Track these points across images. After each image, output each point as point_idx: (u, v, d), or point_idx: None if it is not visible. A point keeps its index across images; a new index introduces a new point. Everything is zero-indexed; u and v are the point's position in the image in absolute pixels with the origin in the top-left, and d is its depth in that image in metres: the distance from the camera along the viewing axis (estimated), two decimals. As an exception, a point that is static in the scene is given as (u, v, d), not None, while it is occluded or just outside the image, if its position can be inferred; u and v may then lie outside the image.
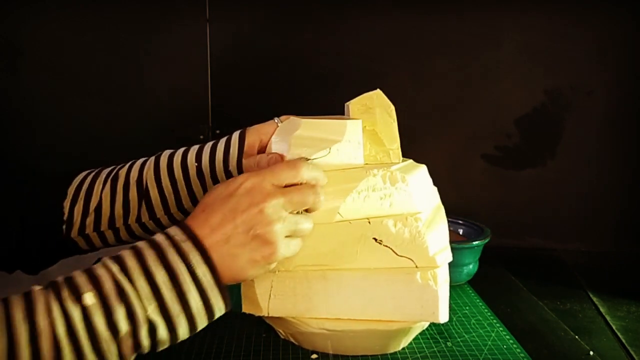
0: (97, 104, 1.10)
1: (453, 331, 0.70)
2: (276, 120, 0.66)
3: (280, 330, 0.67)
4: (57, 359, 0.39)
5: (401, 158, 0.65)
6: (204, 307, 0.45)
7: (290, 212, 0.50)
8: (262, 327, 0.69)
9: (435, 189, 0.67)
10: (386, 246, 0.58)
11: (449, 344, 0.67)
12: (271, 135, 0.65)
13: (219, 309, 0.46)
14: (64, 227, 0.65)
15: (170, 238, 0.46)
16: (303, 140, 0.59)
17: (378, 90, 0.65)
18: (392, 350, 0.64)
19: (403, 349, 0.65)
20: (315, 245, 0.57)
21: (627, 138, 1.06)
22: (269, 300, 0.60)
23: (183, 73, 1.09)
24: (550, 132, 1.07)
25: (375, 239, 0.58)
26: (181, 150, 0.68)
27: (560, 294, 0.86)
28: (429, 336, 0.68)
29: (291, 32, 1.08)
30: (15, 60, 1.06)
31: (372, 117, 0.64)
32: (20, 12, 1.04)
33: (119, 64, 1.08)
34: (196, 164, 0.65)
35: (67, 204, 0.66)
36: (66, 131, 1.09)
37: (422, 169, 0.65)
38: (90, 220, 0.65)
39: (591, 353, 0.66)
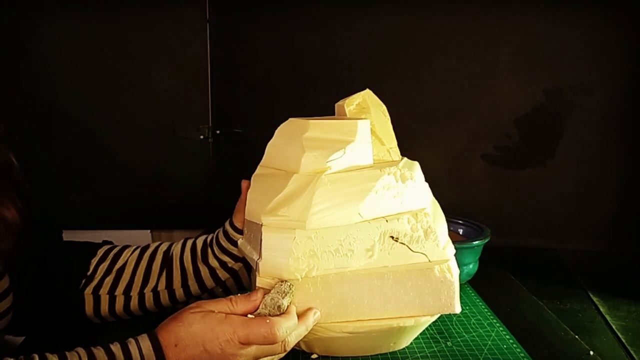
0: (97, 103, 1.10)
1: (453, 331, 0.70)
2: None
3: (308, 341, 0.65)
4: None
5: (400, 156, 0.65)
6: None
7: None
8: (263, 327, 0.69)
9: (427, 184, 0.68)
10: (402, 243, 0.59)
11: (449, 343, 0.67)
12: None
13: None
14: (83, 280, 0.68)
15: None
16: (315, 142, 0.59)
17: (368, 90, 0.65)
18: (403, 346, 0.65)
19: (403, 348, 0.65)
20: (336, 248, 0.57)
21: (626, 138, 1.06)
22: None
23: (183, 73, 1.09)
24: (550, 132, 1.07)
25: (392, 237, 0.59)
26: (201, 240, 0.72)
27: (560, 293, 0.86)
28: (429, 336, 0.68)
29: (291, 32, 1.08)
30: (16, 60, 1.06)
31: (368, 116, 0.64)
32: (21, 13, 1.04)
33: (119, 64, 1.08)
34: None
35: (94, 260, 0.69)
36: (66, 131, 1.09)
37: (418, 166, 0.66)
38: (109, 279, 0.68)
39: (591, 353, 0.66)
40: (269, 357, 0.54)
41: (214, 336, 0.51)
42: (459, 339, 0.68)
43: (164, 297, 0.69)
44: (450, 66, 1.06)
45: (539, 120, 1.07)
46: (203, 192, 1.16)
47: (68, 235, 0.74)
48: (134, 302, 0.69)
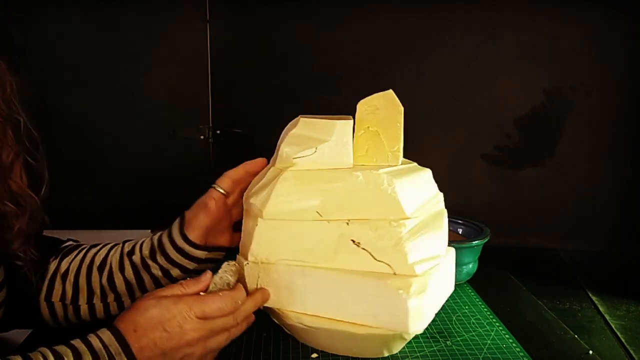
0: (97, 104, 1.10)
1: (453, 330, 0.70)
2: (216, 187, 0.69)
3: (284, 326, 0.67)
4: None
5: (400, 160, 0.64)
6: None
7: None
8: (263, 326, 0.69)
9: (441, 194, 0.66)
10: (364, 249, 0.58)
11: (448, 343, 0.67)
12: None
13: None
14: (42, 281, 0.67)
15: (106, 347, 0.50)
16: (296, 138, 0.61)
17: (390, 90, 0.63)
18: (373, 356, 0.63)
19: (403, 347, 0.65)
20: (295, 241, 0.59)
21: (626, 137, 1.06)
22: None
23: (183, 73, 1.09)
24: (549, 132, 1.07)
25: (353, 241, 0.58)
26: (139, 243, 0.70)
27: (560, 293, 0.86)
28: (428, 335, 0.69)
29: (291, 32, 1.08)
30: (15, 60, 1.06)
31: (375, 117, 0.63)
32: (21, 12, 1.04)
33: (119, 65, 1.08)
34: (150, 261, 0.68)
35: (52, 260, 0.68)
36: (66, 131, 1.09)
37: (423, 173, 0.65)
38: (58, 287, 0.67)
39: (590, 352, 0.66)
40: (224, 335, 0.56)
41: (171, 316, 0.52)
42: (458, 339, 0.68)
43: (114, 307, 0.68)
44: (450, 66, 1.06)
45: (539, 120, 1.07)
46: (203, 192, 1.16)
47: (69, 235, 0.74)
48: (85, 312, 0.67)
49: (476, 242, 0.83)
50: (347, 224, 0.58)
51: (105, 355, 0.49)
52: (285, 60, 1.09)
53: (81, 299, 0.67)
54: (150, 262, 0.68)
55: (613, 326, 0.75)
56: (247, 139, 1.12)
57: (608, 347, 0.69)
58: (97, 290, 0.67)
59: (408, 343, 0.66)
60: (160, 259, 0.67)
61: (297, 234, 0.59)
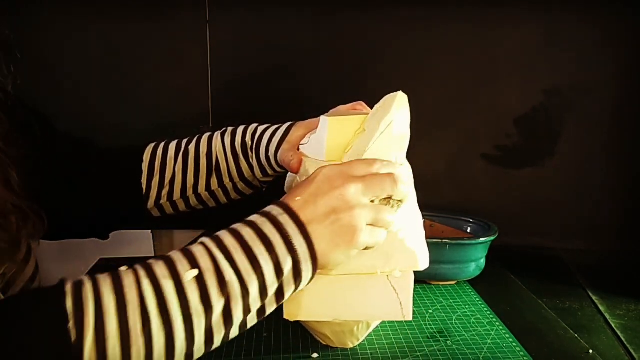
0: (96, 104, 1.10)
1: (453, 330, 0.70)
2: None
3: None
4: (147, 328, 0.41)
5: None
6: (294, 279, 0.47)
7: (372, 201, 0.50)
8: (263, 327, 0.70)
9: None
10: None
11: (448, 342, 0.67)
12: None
13: (307, 280, 0.48)
14: (141, 200, 0.74)
15: (265, 214, 0.48)
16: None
17: (399, 92, 0.62)
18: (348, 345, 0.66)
19: (403, 347, 0.65)
20: None
21: (626, 137, 1.06)
22: None
23: (183, 73, 1.09)
24: (549, 132, 1.07)
25: None
26: (242, 127, 0.76)
27: (560, 292, 0.86)
28: (428, 335, 0.69)
29: (291, 32, 1.08)
30: (13, 60, 1.06)
31: (377, 118, 0.63)
32: (18, 12, 1.04)
33: (118, 65, 1.08)
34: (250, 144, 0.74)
35: (144, 180, 0.74)
36: (65, 131, 1.09)
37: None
38: (165, 191, 0.74)
39: (591, 351, 0.66)
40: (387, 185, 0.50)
41: (315, 174, 0.50)
42: (458, 338, 0.68)
43: (219, 193, 0.75)
44: (450, 65, 1.06)
45: (539, 119, 1.07)
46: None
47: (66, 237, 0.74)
48: (194, 201, 0.75)
49: (483, 239, 0.84)
50: None
51: (265, 219, 0.47)
52: (286, 60, 1.09)
53: (189, 190, 0.74)
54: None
55: (613, 325, 0.75)
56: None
57: (608, 346, 0.69)
58: (204, 176, 0.73)
59: (408, 343, 0.67)
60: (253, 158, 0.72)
61: None
